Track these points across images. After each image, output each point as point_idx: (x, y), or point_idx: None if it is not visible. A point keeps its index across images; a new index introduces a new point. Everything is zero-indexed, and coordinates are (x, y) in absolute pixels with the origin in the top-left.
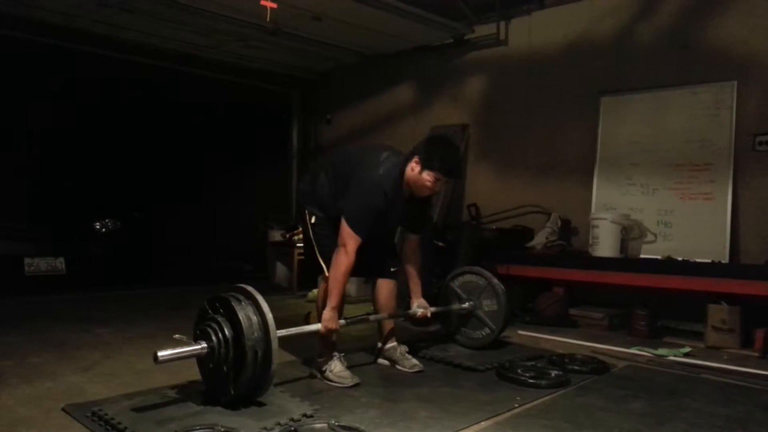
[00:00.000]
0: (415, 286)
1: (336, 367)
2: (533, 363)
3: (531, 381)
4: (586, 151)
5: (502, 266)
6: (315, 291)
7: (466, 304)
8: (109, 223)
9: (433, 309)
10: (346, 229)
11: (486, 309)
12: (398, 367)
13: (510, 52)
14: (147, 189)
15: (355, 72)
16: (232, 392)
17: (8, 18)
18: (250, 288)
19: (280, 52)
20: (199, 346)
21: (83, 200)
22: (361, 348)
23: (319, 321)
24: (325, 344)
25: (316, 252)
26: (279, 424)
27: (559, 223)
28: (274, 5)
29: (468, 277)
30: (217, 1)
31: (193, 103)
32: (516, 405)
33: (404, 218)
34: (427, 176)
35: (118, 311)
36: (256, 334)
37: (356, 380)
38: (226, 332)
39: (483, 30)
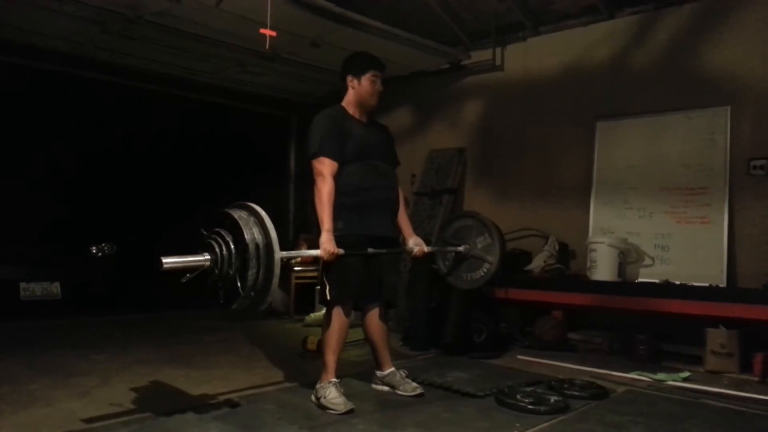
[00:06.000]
0: (405, 225)
1: (330, 394)
2: (532, 388)
3: (530, 407)
4: (582, 175)
5: (500, 290)
6: (312, 315)
7: (461, 247)
8: (106, 247)
9: (428, 248)
10: (314, 162)
11: (480, 246)
12: (398, 392)
13: (506, 77)
14: (144, 213)
15: None
16: (242, 293)
17: (11, 44)
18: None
19: (278, 77)
20: (202, 257)
21: (79, 224)
22: (358, 373)
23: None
24: (326, 363)
25: (323, 271)
26: None
27: (557, 246)
28: (274, 33)
29: (456, 224)
30: (217, 28)
31: (191, 126)
32: None
33: (382, 147)
34: (366, 82)
35: (114, 336)
36: (255, 229)
37: (350, 406)
38: (227, 238)
39: (479, 55)
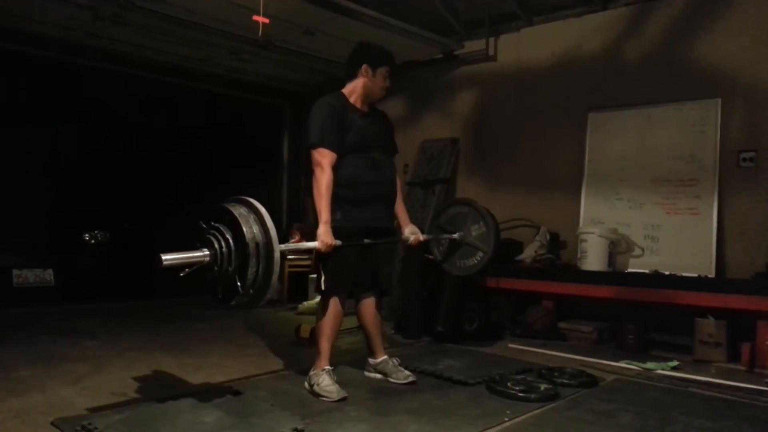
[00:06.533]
0: (402, 213)
1: (324, 381)
2: (523, 376)
3: (521, 395)
4: (574, 166)
5: (492, 279)
6: (305, 303)
7: (456, 234)
8: (99, 235)
9: (424, 236)
10: (313, 153)
11: (474, 234)
12: (391, 379)
13: (499, 68)
14: (136, 200)
15: None
16: (241, 291)
17: (1, 30)
18: (237, 198)
19: (271, 65)
20: (202, 253)
21: (72, 212)
22: (351, 361)
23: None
24: (320, 351)
25: (319, 261)
26: None
27: (548, 236)
28: (267, 20)
29: (452, 211)
30: (210, 15)
31: (184, 114)
32: (506, 419)
33: (381, 137)
34: (380, 76)
35: (107, 323)
36: (255, 227)
37: (342, 394)
38: (227, 234)
39: (472, 45)
